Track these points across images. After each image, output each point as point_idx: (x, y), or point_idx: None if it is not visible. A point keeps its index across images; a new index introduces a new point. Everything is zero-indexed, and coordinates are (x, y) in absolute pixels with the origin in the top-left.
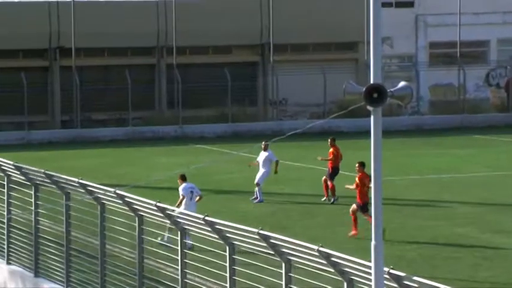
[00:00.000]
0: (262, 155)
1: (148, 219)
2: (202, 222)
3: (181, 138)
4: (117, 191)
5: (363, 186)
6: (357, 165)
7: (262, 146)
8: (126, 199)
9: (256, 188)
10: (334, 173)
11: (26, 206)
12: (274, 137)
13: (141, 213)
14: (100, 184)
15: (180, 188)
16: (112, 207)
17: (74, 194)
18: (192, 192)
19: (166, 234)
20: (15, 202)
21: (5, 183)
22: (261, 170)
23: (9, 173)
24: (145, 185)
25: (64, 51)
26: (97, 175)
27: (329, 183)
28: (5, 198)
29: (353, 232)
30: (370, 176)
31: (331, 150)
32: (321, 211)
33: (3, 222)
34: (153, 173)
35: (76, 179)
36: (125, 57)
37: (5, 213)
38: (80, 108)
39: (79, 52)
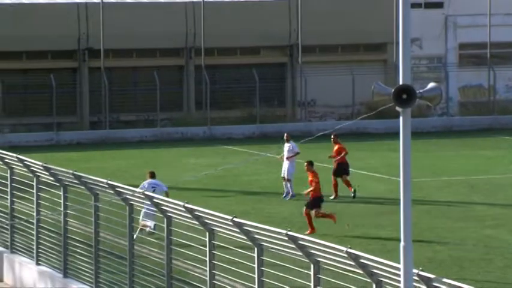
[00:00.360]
0: (286, 147)
1: (176, 220)
2: (231, 223)
3: (209, 139)
4: (146, 192)
5: (317, 183)
6: (305, 164)
7: (285, 138)
8: (155, 200)
9: (288, 184)
10: (339, 169)
11: (55, 206)
12: (303, 138)
13: (169, 214)
14: (128, 185)
15: (143, 183)
16: (140, 208)
17: (103, 195)
18: (154, 188)
19: (154, 222)
20: (44, 203)
21: (34, 184)
22: (286, 163)
23: (39, 174)
24: (173, 186)
25: (93, 53)
26: (125, 176)
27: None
28: (34, 199)
29: (309, 231)
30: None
31: (336, 147)
32: (349, 212)
33: (32, 223)
34: (181, 174)
35: (105, 180)
36: (153, 58)
37: (34, 213)
38: (108, 110)
39: (108, 53)
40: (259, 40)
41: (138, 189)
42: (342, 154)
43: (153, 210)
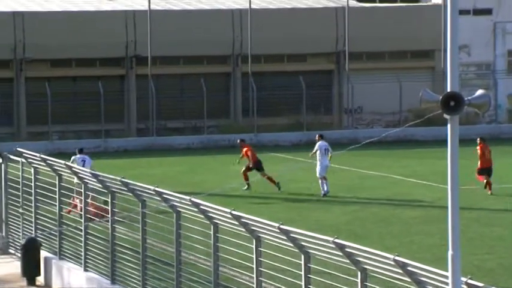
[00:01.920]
0: (321, 145)
1: (223, 227)
2: (277, 230)
3: (256, 147)
4: (192, 199)
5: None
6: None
7: (317, 138)
8: (202, 207)
9: (324, 182)
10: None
11: (102, 213)
12: (350, 145)
13: (216, 221)
14: (175, 192)
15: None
16: (187, 215)
17: (150, 202)
18: (83, 161)
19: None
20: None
21: (82, 190)
22: (319, 162)
23: (86, 181)
24: (220, 193)
25: (140, 60)
26: (172, 183)
27: None
28: (82, 205)
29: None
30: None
31: (245, 150)
32: (397, 220)
33: (80, 230)
34: (228, 181)
35: (152, 187)
36: (200, 65)
37: (82, 220)
38: (155, 117)
39: (155, 60)
40: (306, 47)
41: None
42: (250, 154)
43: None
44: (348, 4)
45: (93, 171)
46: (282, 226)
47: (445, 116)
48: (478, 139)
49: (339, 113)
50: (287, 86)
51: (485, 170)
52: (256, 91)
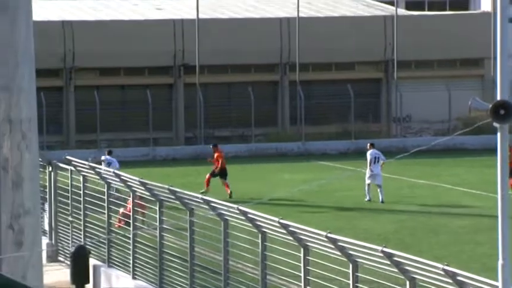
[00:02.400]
0: (373, 153)
1: (271, 235)
2: (325, 239)
3: (304, 155)
4: (240, 208)
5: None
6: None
7: (368, 147)
8: (249, 215)
9: (379, 190)
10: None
11: (150, 221)
12: (398, 154)
13: (264, 230)
14: (223, 200)
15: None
16: (235, 224)
17: (198, 210)
18: (109, 164)
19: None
20: (141, 218)
21: (131, 199)
22: (370, 170)
23: (135, 189)
24: (268, 202)
25: (188, 69)
26: (220, 191)
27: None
28: (131, 213)
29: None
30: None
31: (216, 155)
32: (446, 229)
33: (128, 238)
34: (276, 190)
35: (200, 195)
36: (248, 74)
37: (131, 228)
38: (203, 125)
39: (203, 69)
40: (354, 55)
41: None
42: (220, 160)
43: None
44: (396, 12)
45: (141, 180)
46: (329, 235)
47: (495, 124)
48: None
49: (387, 121)
50: (335, 95)
51: None
52: (304, 99)
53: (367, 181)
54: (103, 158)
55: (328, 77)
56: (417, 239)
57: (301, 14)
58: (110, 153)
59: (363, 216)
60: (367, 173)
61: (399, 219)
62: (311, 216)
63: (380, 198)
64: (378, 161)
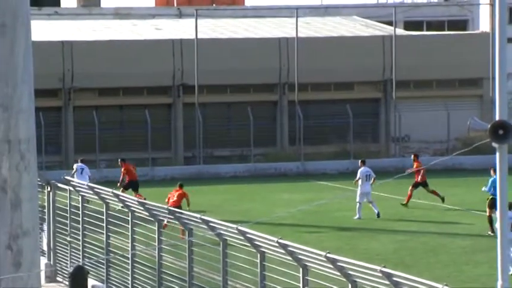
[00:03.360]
0: (363, 171)
1: (270, 255)
2: (324, 259)
3: (303, 175)
4: (239, 227)
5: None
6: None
7: (360, 164)
8: (248, 235)
9: (372, 205)
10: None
11: (149, 241)
12: (397, 173)
13: (263, 250)
14: (222, 220)
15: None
16: (234, 244)
17: (197, 230)
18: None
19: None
20: (139, 238)
21: (129, 218)
22: (360, 187)
23: (133, 209)
24: (267, 221)
25: (187, 88)
26: (219, 211)
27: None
28: (129, 233)
29: None
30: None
31: (123, 169)
32: (445, 249)
33: (127, 258)
34: (275, 209)
35: (198, 215)
36: (247, 94)
37: (129, 248)
38: (202, 145)
39: (202, 89)
40: (353, 75)
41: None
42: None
43: None
44: (394, 32)
45: (140, 200)
46: (328, 255)
47: (494, 144)
48: None
49: (386, 141)
50: (334, 115)
51: None
52: (303, 119)
53: (358, 199)
54: (75, 166)
55: (327, 96)
56: (417, 259)
57: (300, 34)
58: (82, 161)
59: (362, 236)
60: (358, 191)
61: (399, 239)
62: (310, 236)
63: (376, 212)
64: (369, 179)
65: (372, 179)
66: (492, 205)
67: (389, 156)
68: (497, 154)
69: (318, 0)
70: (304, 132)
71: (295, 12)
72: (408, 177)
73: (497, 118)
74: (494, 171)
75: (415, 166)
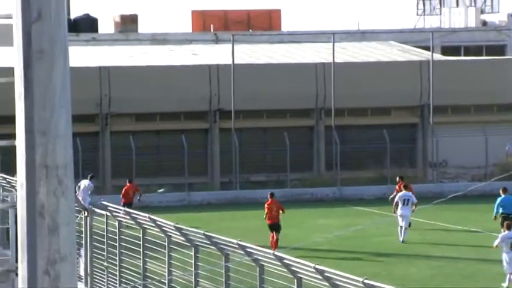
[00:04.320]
0: (402, 196)
1: (306, 281)
2: (362, 285)
3: (339, 200)
4: (276, 253)
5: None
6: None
7: (402, 188)
8: (285, 261)
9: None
10: None
11: (186, 267)
12: (435, 199)
13: (300, 276)
14: (259, 246)
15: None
16: (271, 269)
17: (233, 255)
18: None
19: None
20: (176, 263)
21: (166, 244)
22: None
23: (170, 234)
24: (304, 247)
25: (224, 114)
26: (256, 237)
27: None
28: (166, 259)
29: None
30: None
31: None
32: (483, 275)
33: (164, 283)
34: (312, 235)
35: (235, 241)
36: (283, 119)
37: (166, 274)
38: (239, 170)
39: (238, 114)
40: (390, 100)
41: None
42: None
43: None
44: (432, 57)
45: (176, 225)
46: (366, 281)
47: None
48: None
49: (423, 166)
50: (371, 139)
51: None
52: (340, 144)
53: (399, 223)
54: (84, 182)
55: (363, 122)
56: (454, 286)
57: (337, 60)
58: (91, 177)
59: (400, 262)
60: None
61: (436, 265)
62: (347, 262)
63: (401, 238)
64: (408, 203)
65: (413, 204)
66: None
67: (427, 181)
68: None
69: (355, 25)
70: (341, 157)
71: (332, 37)
72: (446, 203)
73: None
74: (504, 190)
75: (397, 188)
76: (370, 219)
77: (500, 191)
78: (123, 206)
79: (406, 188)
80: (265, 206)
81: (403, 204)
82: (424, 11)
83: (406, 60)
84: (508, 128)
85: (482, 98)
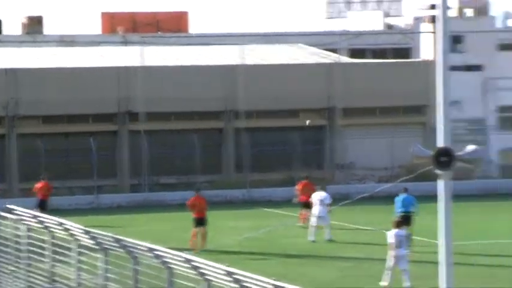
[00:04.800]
0: (317, 196)
1: (216, 283)
2: (272, 286)
3: (249, 202)
4: (185, 255)
5: None
6: None
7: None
8: (194, 263)
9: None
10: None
11: (95, 270)
12: (343, 200)
13: (209, 278)
14: (168, 248)
15: None
16: (180, 272)
17: (142, 258)
18: None
19: None
20: (84, 267)
21: (75, 247)
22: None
23: (79, 237)
24: (213, 249)
25: (132, 116)
26: (165, 239)
27: None
28: (75, 262)
29: None
30: None
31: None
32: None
33: (72, 287)
34: (221, 237)
35: (144, 243)
36: (193, 121)
37: (74, 277)
38: (148, 172)
39: (147, 116)
40: (299, 103)
41: None
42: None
43: None
44: (339, 60)
45: (85, 228)
46: (275, 282)
47: (437, 171)
48: None
49: (331, 168)
50: (279, 142)
51: None
52: (249, 147)
53: (313, 223)
54: None
55: (272, 124)
56: (362, 286)
57: (246, 62)
58: None
59: (309, 263)
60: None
61: (345, 266)
62: (257, 264)
63: (327, 237)
64: (323, 203)
65: (328, 204)
66: (403, 222)
67: (334, 183)
68: (441, 181)
69: (264, 27)
70: (250, 159)
71: (242, 39)
72: (353, 204)
73: (439, 145)
74: (404, 190)
75: (300, 187)
76: (279, 220)
77: (401, 191)
78: (39, 203)
79: (309, 187)
80: (190, 201)
81: (320, 204)
82: (332, 14)
83: (314, 63)
84: (413, 130)
85: (388, 100)
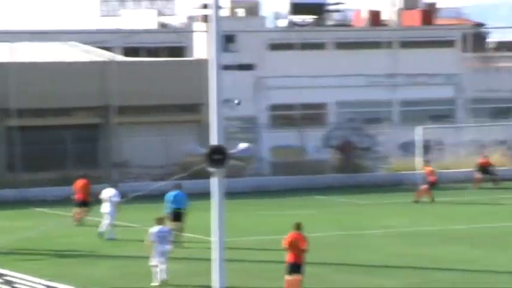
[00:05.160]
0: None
1: None
2: (44, 287)
3: (22, 202)
4: None
5: None
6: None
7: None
8: None
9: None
10: None
11: None
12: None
13: None
14: None
15: None
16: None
17: None
18: None
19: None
20: None
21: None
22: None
23: None
24: None
25: None
26: None
27: None
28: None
29: None
30: None
31: None
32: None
33: None
34: None
35: None
36: None
37: None
38: None
39: None
40: (72, 101)
41: None
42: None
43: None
44: (114, 58)
45: None
46: (49, 282)
47: (210, 169)
48: None
49: (107, 166)
50: (52, 140)
51: None
52: (21, 146)
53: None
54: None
55: (45, 122)
56: (140, 283)
57: (18, 60)
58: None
59: (86, 263)
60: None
61: (121, 264)
62: (31, 265)
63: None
64: (112, 200)
65: (115, 201)
66: (173, 218)
67: (111, 181)
68: (214, 178)
69: (37, 25)
70: (22, 159)
71: (12, 37)
72: (128, 202)
73: (213, 143)
74: (177, 186)
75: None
76: (54, 220)
77: (173, 188)
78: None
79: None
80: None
81: (109, 201)
82: (106, 12)
83: (88, 61)
84: (189, 128)
85: (164, 98)
